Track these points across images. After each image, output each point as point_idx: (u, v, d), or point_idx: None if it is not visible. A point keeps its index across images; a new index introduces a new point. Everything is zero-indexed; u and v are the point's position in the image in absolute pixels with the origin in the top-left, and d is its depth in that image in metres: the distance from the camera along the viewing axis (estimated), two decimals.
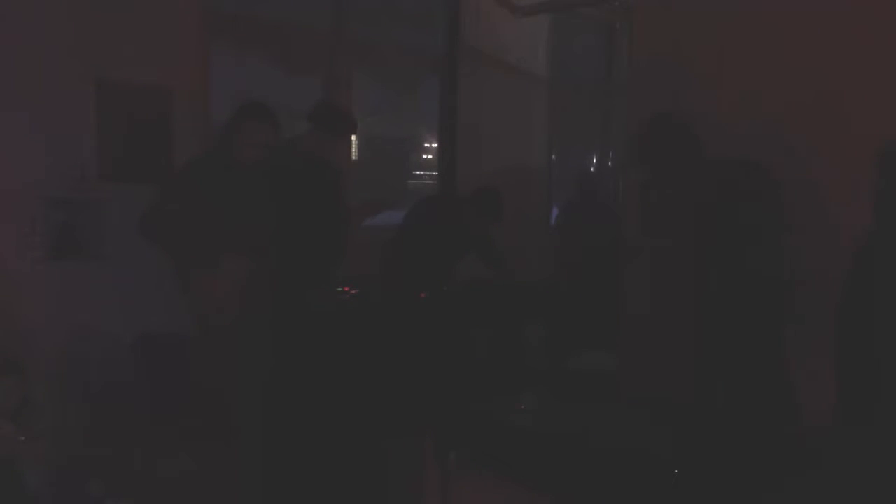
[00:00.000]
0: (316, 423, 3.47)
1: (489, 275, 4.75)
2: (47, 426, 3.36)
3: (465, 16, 5.50)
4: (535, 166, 6.20)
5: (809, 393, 3.26)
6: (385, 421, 3.54)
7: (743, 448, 2.65)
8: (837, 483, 2.22)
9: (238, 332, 3.11)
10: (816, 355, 3.06)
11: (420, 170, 6.03)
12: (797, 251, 2.92)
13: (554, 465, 3.16)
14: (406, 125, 5.94)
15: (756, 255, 2.80)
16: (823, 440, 2.64)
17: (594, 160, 6.56)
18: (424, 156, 6.05)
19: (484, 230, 4.66)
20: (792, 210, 2.96)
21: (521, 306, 4.73)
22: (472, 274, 4.77)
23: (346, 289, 4.08)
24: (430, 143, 5.93)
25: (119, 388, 3.75)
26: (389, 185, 5.70)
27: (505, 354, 4.57)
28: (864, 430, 2.68)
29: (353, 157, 5.30)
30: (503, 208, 4.65)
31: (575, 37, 6.39)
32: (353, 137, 5.24)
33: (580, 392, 3.44)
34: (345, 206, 4.13)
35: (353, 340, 3.79)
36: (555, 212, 6.26)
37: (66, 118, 3.75)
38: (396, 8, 5.33)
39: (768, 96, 3.53)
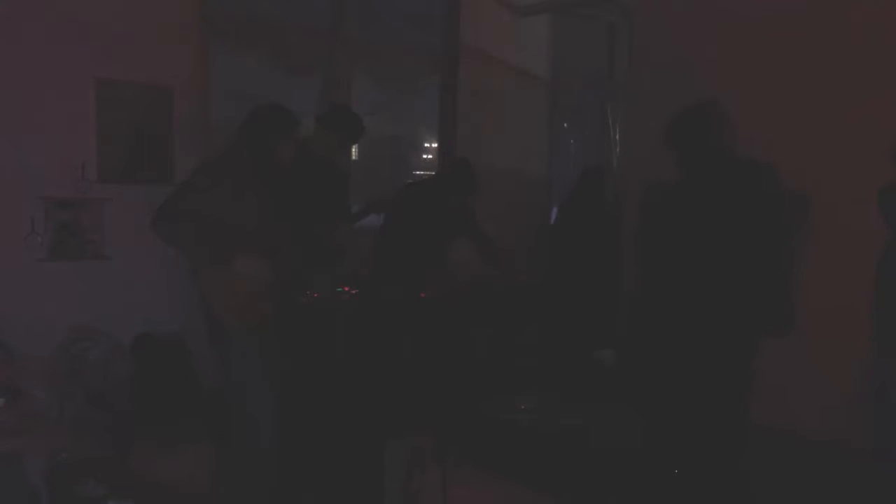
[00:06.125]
0: (316, 422, 3.47)
1: (488, 274, 4.72)
2: (48, 425, 3.37)
3: (465, 16, 5.50)
4: (535, 166, 6.20)
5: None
6: (385, 420, 3.54)
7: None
8: None
9: (253, 332, 3.09)
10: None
11: (420, 170, 6.04)
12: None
13: (553, 466, 3.16)
14: (406, 125, 5.93)
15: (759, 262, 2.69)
16: None
17: (594, 160, 6.55)
18: (424, 156, 6.05)
19: (461, 203, 4.56)
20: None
21: (521, 306, 4.73)
22: (472, 274, 4.76)
23: (346, 289, 4.07)
24: (430, 143, 5.93)
25: (119, 388, 3.75)
26: (389, 184, 5.70)
27: (505, 354, 4.57)
28: None
29: (354, 157, 5.30)
30: (477, 180, 4.55)
31: (575, 37, 6.38)
32: None
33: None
34: (348, 206, 4.14)
35: (352, 340, 3.79)
36: (555, 212, 6.26)
37: (66, 118, 3.75)
38: (396, 8, 5.33)
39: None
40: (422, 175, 6.00)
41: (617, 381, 4.34)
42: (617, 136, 6.41)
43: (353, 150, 5.28)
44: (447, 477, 2.99)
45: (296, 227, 3.32)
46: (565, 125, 6.61)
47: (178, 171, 4.01)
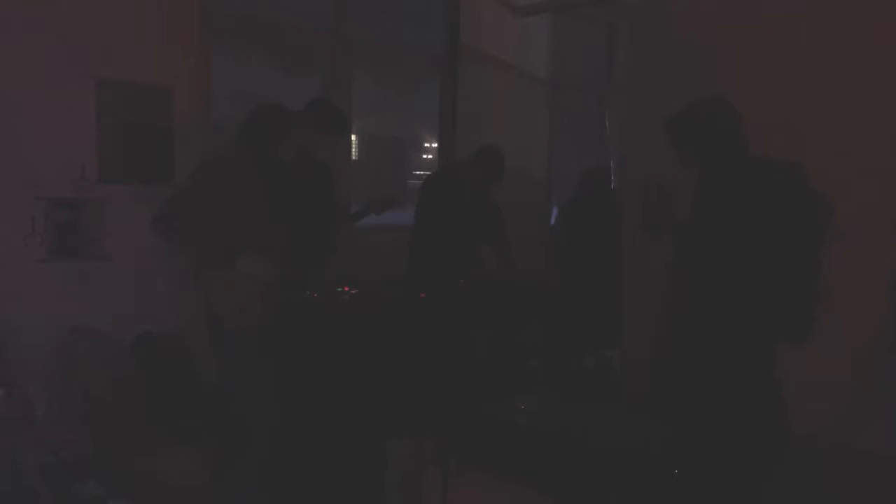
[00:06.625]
0: (316, 423, 3.47)
1: (495, 268, 4.74)
2: (48, 424, 3.37)
3: (465, 16, 5.50)
4: (535, 166, 6.20)
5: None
6: (385, 421, 3.54)
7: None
8: None
9: (253, 332, 3.09)
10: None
11: (420, 170, 6.03)
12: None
13: (553, 466, 3.16)
14: (406, 125, 5.94)
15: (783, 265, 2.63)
16: None
17: (594, 160, 6.56)
18: (424, 156, 6.05)
19: (484, 189, 4.62)
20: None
21: (521, 306, 4.73)
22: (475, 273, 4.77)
23: (346, 288, 4.08)
24: (430, 143, 5.93)
25: (119, 388, 3.74)
26: (389, 185, 5.70)
27: (505, 355, 4.57)
28: None
29: (353, 157, 5.30)
30: (503, 166, 4.62)
31: (575, 37, 6.39)
32: (354, 137, 5.25)
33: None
34: (336, 203, 4.13)
35: (352, 340, 3.79)
36: (555, 212, 6.26)
37: (66, 118, 3.75)
38: (396, 8, 5.33)
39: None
40: (423, 176, 6.01)
41: (617, 381, 4.34)
42: (617, 137, 6.42)
43: (353, 149, 5.28)
44: (447, 477, 2.99)
45: (295, 226, 3.32)
46: (565, 125, 6.62)
47: (178, 171, 4.01)
